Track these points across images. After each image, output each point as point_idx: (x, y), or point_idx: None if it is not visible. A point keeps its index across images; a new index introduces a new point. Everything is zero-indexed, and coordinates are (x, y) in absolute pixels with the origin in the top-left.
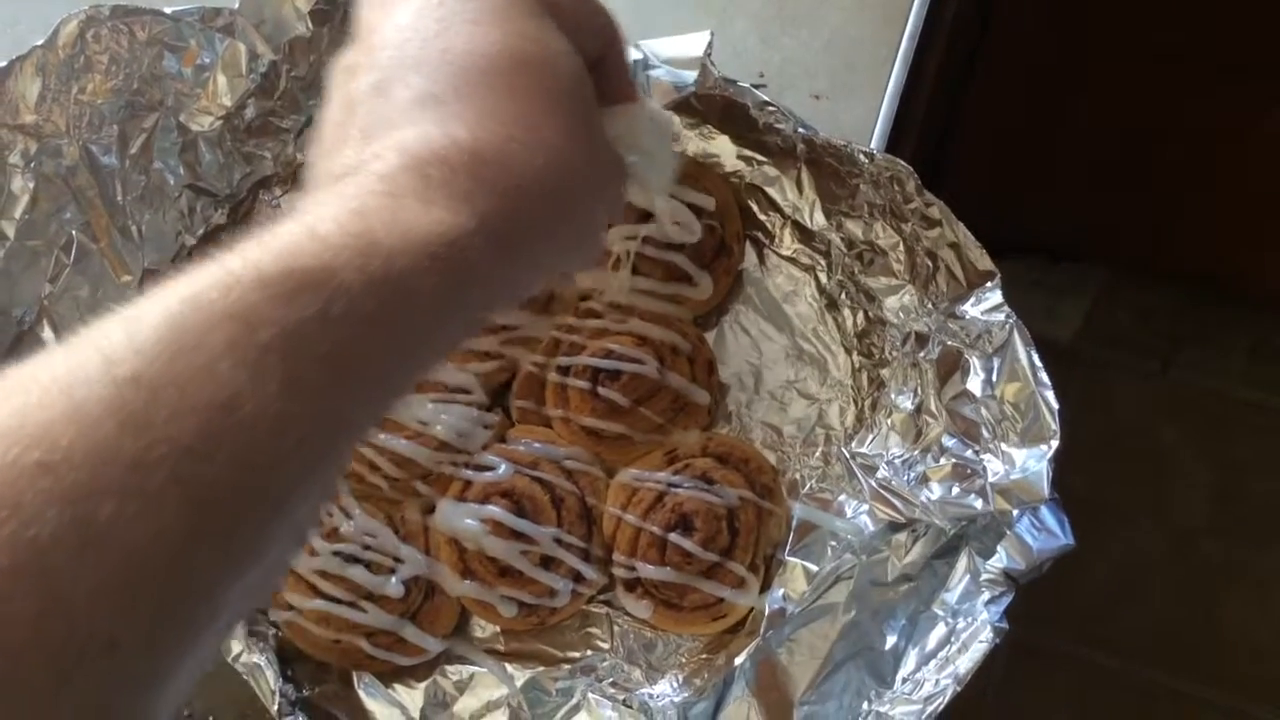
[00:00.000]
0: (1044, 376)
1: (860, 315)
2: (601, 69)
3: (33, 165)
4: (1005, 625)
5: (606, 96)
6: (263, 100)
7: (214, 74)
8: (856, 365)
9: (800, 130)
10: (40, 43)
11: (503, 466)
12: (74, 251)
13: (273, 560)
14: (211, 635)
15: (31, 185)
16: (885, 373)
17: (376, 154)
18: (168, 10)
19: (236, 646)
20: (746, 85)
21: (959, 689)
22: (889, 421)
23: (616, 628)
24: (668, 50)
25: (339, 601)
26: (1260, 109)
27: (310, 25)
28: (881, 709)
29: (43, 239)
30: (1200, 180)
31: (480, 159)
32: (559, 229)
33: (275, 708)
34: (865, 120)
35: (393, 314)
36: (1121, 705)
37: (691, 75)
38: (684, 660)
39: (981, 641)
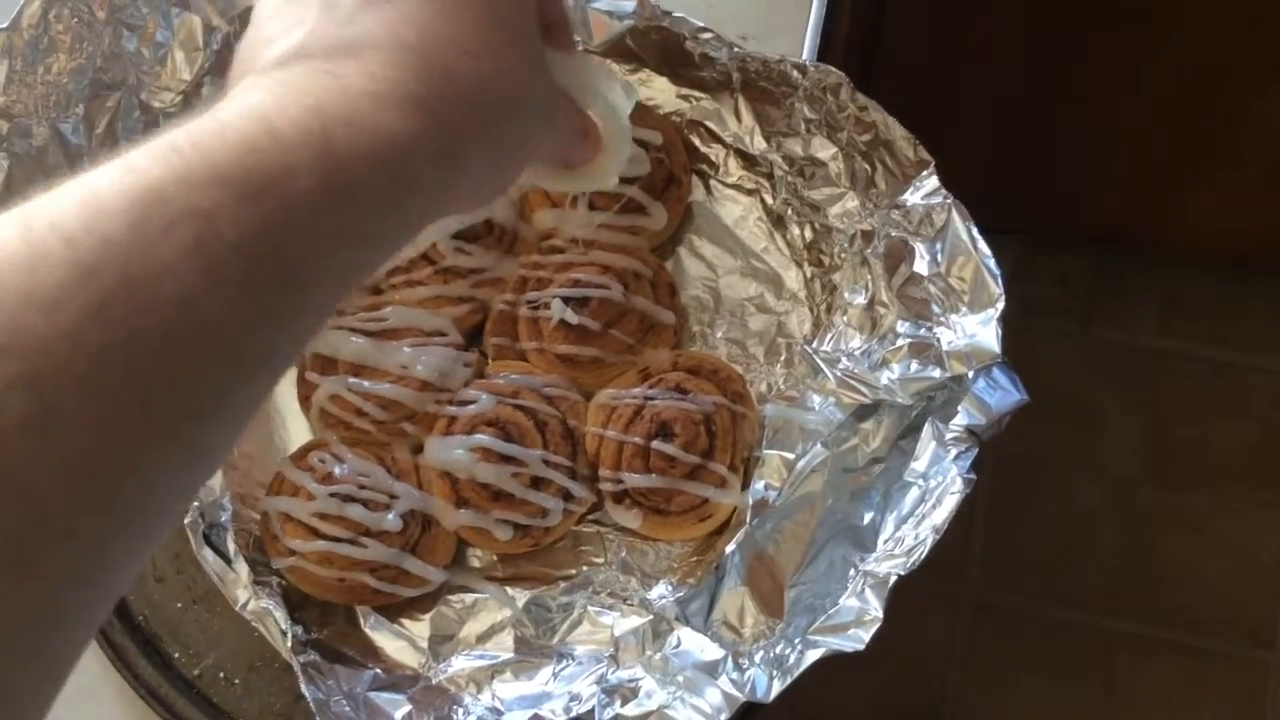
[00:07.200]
0: (984, 247)
1: (807, 228)
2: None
3: (5, 145)
4: (974, 476)
5: (546, 33)
6: (219, 77)
7: (171, 50)
8: (809, 275)
9: (736, 50)
10: (4, 25)
11: (484, 398)
12: None
13: (215, 455)
14: (158, 531)
15: (6, 164)
16: (836, 277)
17: (326, 45)
18: None
19: (243, 595)
20: (682, 15)
21: (938, 538)
22: (844, 319)
23: (608, 543)
24: None
25: (339, 540)
26: (1153, 58)
27: None
28: (868, 568)
29: None
30: (1102, 136)
31: (427, 64)
32: (499, 136)
33: (289, 645)
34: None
35: (346, 219)
36: (1084, 653)
37: (631, 5)
38: (675, 565)
39: (953, 493)
